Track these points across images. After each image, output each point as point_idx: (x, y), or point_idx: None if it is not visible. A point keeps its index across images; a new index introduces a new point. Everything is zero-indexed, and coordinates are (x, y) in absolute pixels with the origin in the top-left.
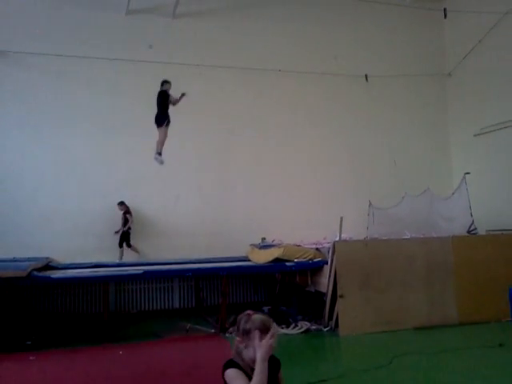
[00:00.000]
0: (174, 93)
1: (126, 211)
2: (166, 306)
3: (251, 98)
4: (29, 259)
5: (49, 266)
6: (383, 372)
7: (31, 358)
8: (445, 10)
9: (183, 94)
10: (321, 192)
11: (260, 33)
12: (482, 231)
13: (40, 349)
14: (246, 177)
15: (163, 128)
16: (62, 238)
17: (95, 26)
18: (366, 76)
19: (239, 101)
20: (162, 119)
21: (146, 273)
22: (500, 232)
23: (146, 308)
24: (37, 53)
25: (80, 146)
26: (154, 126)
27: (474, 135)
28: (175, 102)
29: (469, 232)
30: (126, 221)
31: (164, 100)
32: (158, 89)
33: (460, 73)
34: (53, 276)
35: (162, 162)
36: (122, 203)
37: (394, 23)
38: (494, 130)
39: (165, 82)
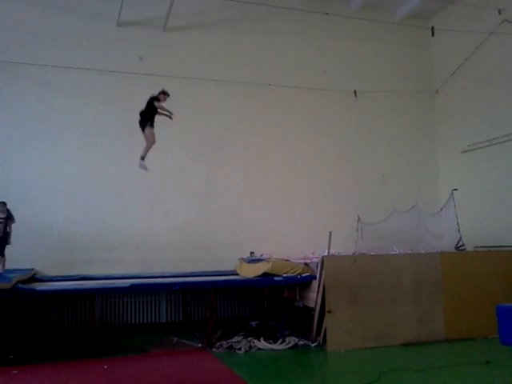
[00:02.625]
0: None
1: (8, 216)
2: (153, 320)
3: (240, 111)
4: (13, 271)
5: (34, 278)
6: None
7: (14, 372)
8: (432, 28)
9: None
10: (309, 206)
11: (250, 47)
12: (469, 247)
13: (23, 363)
14: (235, 191)
15: (147, 130)
16: (48, 250)
17: (86, 36)
18: (355, 92)
19: (228, 114)
20: (144, 122)
21: (132, 286)
22: (487, 249)
23: (133, 321)
24: (26, 62)
25: (67, 158)
26: (140, 140)
27: (462, 152)
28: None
29: (457, 248)
30: (5, 226)
31: (151, 104)
32: (146, 101)
33: (447, 90)
34: (38, 288)
35: (145, 168)
36: (3, 204)
37: (383, 40)
38: (482, 147)
39: (162, 93)
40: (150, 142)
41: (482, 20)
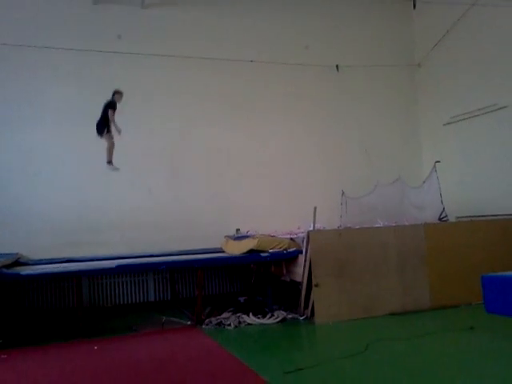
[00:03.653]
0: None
1: None
2: (141, 300)
3: (222, 88)
4: None
5: (18, 262)
6: (359, 359)
7: (3, 356)
8: (414, 0)
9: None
10: (294, 182)
11: (231, 23)
12: (452, 218)
13: (12, 347)
14: (218, 168)
15: (105, 136)
16: (32, 234)
17: (62, 15)
18: (337, 66)
19: (210, 91)
20: (101, 128)
21: (119, 267)
22: (470, 219)
23: (121, 302)
24: (1, 43)
25: (48, 139)
26: (123, 119)
27: (444, 124)
28: (113, 121)
29: (440, 219)
30: None
31: (107, 109)
32: (126, 80)
33: (429, 63)
34: (23, 273)
35: (115, 169)
36: None
37: (365, 14)
38: (464, 119)
39: (116, 93)
40: (110, 145)
41: None
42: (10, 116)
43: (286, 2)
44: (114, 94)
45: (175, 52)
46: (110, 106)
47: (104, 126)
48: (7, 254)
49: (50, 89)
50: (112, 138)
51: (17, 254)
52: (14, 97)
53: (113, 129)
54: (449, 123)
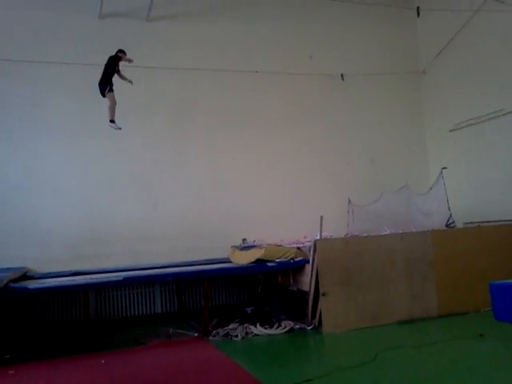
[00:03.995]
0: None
1: None
2: (148, 312)
3: (227, 99)
4: (4, 270)
5: (26, 276)
6: (368, 368)
7: (10, 372)
8: (418, 8)
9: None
10: (300, 191)
11: (235, 34)
12: (459, 224)
13: (19, 362)
14: (225, 179)
15: (108, 95)
16: (38, 248)
17: (68, 30)
18: (342, 75)
19: (215, 102)
20: (103, 86)
21: (126, 279)
22: (477, 224)
23: (128, 314)
24: (6, 59)
25: (53, 153)
26: (129, 131)
27: (450, 131)
28: (121, 76)
29: (447, 226)
30: None
31: (111, 65)
32: (130, 92)
33: (434, 70)
34: (30, 287)
35: (118, 128)
36: None
37: (369, 22)
38: (469, 125)
39: (120, 51)
40: (112, 103)
41: None
42: (14, 130)
43: (289, 12)
44: (117, 51)
45: (179, 64)
46: (115, 61)
47: (106, 84)
48: (14, 268)
49: (54, 103)
50: (114, 96)
51: (24, 267)
52: (18, 111)
53: (122, 82)
54: (454, 129)
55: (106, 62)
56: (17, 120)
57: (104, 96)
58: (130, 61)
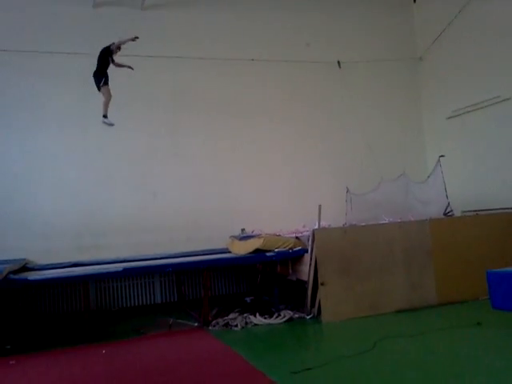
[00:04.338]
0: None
1: None
2: (148, 302)
3: (224, 88)
4: (4, 262)
5: (25, 267)
6: (367, 357)
7: (11, 362)
8: None
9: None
10: (298, 180)
11: (231, 22)
12: (457, 212)
13: (20, 352)
14: (223, 168)
15: (103, 88)
16: (38, 239)
17: (62, 19)
18: (339, 62)
19: (212, 92)
20: (98, 79)
21: (125, 270)
22: (475, 213)
23: (128, 305)
24: (3, 49)
25: (52, 145)
26: (127, 122)
27: (447, 118)
28: (118, 65)
29: (445, 214)
30: None
31: (104, 57)
32: (127, 82)
33: (431, 56)
34: (30, 278)
35: (111, 124)
36: None
37: (365, 9)
38: (467, 112)
39: (114, 45)
40: (107, 97)
41: None
42: (12, 122)
43: (286, 0)
44: (111, 44)
45: (175, 53)
46: (108, 52)
47: (101, 76)
48: (14, 260)
49: (51, 94)
50: (109, 90)
51: (24, 259)
52: (16, 103)
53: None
54: (452, 117)
55: (100, 53)
56: (15, 111)
57: (99, 90)
58: (134, 39)
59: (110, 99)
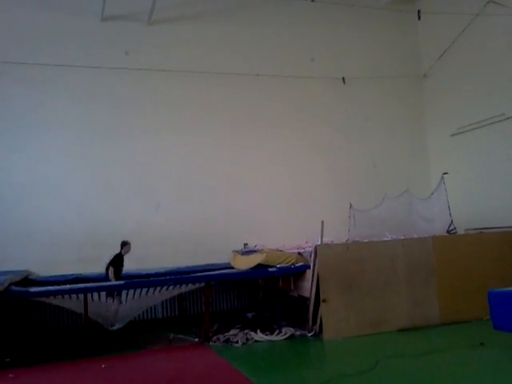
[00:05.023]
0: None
1: None
2: (149, 316)
3: (229, 102)
4: (6, 273)
5: (27, 279)
6: (368, 376)
7: (10, 375)
8: (418, 11)
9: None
10: (301, 196)
11: (237, 37)
12: (460, 230)
13: (20, 366)
14: (226, 183)
15: (115, 299)
16: (41, 251)
17: (70, 32)
18: (344, 78)
19: (217, 105)
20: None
21: (127, 283)
22: (479, 231)
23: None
24: (10, 61)
25: (57, 157)
26: (132, 134)
27: (451, 135)
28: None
29: (448, 232)
30: None
31: (118, 264)
32: (133, 95)
33: (435, 74)
34: (31, 290)
35: (116, 328)
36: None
37: (370, 25)
38: (470, 130)
39: (124, 244)
40: (117, 306)
41: (467, 2)
42: (17, 133)
43: (292, 16)
44: (122, 245)
45: (181, 67)
46: (119, 259)
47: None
48: (16, 271)
49: (57, 105)
50: (121, 301)
51: (26, 270)
52: (22, 114)
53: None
54: (456, 134)
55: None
56: (21, 123)
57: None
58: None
59: (119, 308)
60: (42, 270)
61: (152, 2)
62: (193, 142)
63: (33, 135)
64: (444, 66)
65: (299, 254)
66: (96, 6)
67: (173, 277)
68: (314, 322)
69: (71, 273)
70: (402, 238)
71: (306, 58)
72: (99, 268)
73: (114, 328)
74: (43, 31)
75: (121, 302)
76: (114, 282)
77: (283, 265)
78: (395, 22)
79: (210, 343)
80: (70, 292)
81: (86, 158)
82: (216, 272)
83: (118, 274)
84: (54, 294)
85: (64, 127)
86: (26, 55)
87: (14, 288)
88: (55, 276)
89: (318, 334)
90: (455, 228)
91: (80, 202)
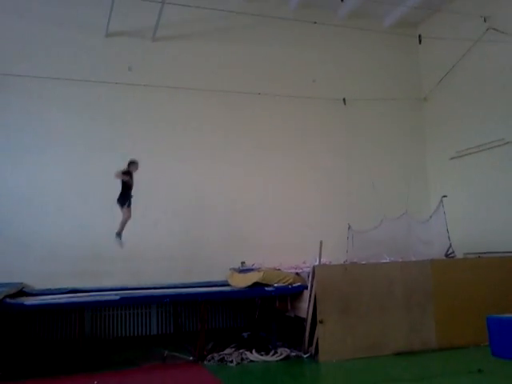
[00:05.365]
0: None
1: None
2: (144, 333)
3: (229, 120)
4: (1, 285)
5: (22, 291)
6: None
7: None
8: (419, 36)
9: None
10: (299, 215)
11: (239, 56)
12: (459, 254)
13: (11, 379)
14: (225, 200)
15: (124, 209)
16: (37, 263)
17: (74, 47)
18: (344, 100)
19: (217, 123)
20: (122, 200)
21: (122, 299)
22: (477, 255)
23: (123, 334)
24: (12, 74)
25: (56, 170)
26: (130, 150)
27: (450, 158)
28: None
29: (447, 255)
30: None
31: (126, 181)
32: (135, 111)
33: (435, 97)
34: (26, 303)
35: (120, 244)
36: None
37: (371, 48)
38: (470, 154)
39: (131, 163)
40: (126, 218)
41: (467, 28)
42: (18, 146)
43: (294, 36)
44: (129, 164)
45: (183, 84)
46: (128, 174)
47: (125, 199)
48: (11, 284)
49: (59, 119)
50: (130, 211)
51: (21, 283)
52: (23, 128)
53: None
54: (455, 157)
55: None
56: (21, 136)
57: (122, 209)
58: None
59: (128, 220)
60: (37, 282)
61: (157, 19)
62: (191, 160)
63: (33, 148)
64: (444, 90)
65: (297, 273)
66: (101, 22)
67: (170, 293)
68: (310, 344)
69: (67, 286)
70: (400, 260)
71: (307, 78)
72: (96, 282)
73: (119, 239)
74: (48, 45)
75: (130, 214)
76: (110, 298)
77: (280, 284)
78: (396, 46)
79: (205, 362)
80: (65, 306)
81: (86, 172)
82: (212, 289)
83: (128, 193)
84: (49, 307)
85: (64, 140)
86: (29, 68)
87: (8, 300)
88: (50, 289)
89: (314, 356)
90: (454, 252)
91: (78, 216)
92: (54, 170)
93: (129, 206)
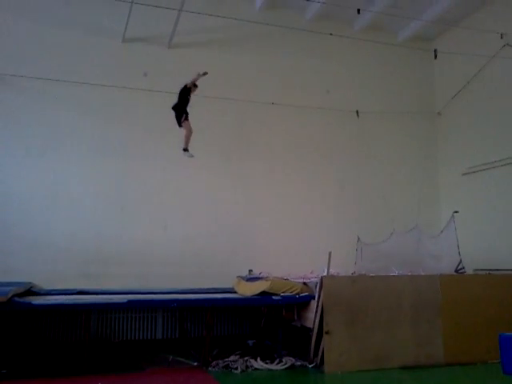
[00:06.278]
0: None
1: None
2: (149, 337)
3: (242, 129)
4: (10, 284)
5: (31, 291)
6: None
7: None
8: (435, 50)
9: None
10: (309, 226)
11: (253, 65)
12: (469, 270)
13: (16, 378)
14: (235, 208)
15: (184, 124)
16: (47, 264)
17: (91, 51)
18: (357, 112)
19: (231, 132)
20: (179, 117)
21: (130, 302)
22: (487, 272)
23: (129, 338)
24: (28, 76)
25: (68, 172)
26: (144, 154)
27: (463, 174)
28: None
29: (456, 271)
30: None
31: (183, 95)
32: (149, 117)
33: (449, 112)
34: (34, 302)
35: (191, 156)
36: None
37: (386, 61)
38: (482, 170)
39: (193, 85)
40: (188, 132)
41: (484, 44)
42: (31, 148)
43: (310, 47)
44: (191, 83)
45: (197, 91)
46: (187, 91)
47: (182, 113)
48: (20, 283)
49: (73, 123)
50: (190, 125)
51: (30, 282)
52: (37, 129)
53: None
54: (467, 173)
55: (179, 90)
56: (34, 138)
57: (180, 125)
58: (205, 74)
59: (191, 134)
60: (46, 283)
61: (173, 27)
62: (202, 166)
63: (45, 150)
64: (458, 105)
65: (304, 283)
66: (118, 27)
67: (176, 298)
68: (316, 354)
69: (75, 287)
70: (409, 274)
71: (321, 89)
72: (104, 285)
73: (188, 152)
74: (64, 48)
75: (191, 127)
76: (117, 300)
77: (288, 294)
78: (411, 59)
79: (209, 368)
80: (73, 307)
81: (98, 174)
82: (219, 296)
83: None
84: (57, 307)
85: (77, 144)
86: (45, 71)
87: (16, 299)
88: (59, 290)
89: (319, 366)
90: (464, 267)
91: (88, 218)
92: (66, 171)
93: (186, 118)
